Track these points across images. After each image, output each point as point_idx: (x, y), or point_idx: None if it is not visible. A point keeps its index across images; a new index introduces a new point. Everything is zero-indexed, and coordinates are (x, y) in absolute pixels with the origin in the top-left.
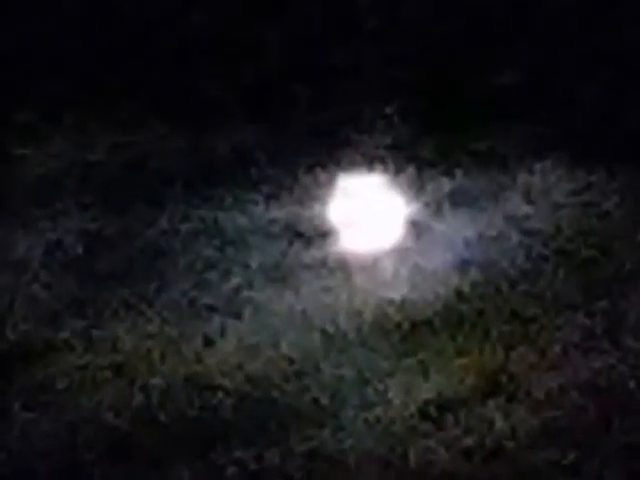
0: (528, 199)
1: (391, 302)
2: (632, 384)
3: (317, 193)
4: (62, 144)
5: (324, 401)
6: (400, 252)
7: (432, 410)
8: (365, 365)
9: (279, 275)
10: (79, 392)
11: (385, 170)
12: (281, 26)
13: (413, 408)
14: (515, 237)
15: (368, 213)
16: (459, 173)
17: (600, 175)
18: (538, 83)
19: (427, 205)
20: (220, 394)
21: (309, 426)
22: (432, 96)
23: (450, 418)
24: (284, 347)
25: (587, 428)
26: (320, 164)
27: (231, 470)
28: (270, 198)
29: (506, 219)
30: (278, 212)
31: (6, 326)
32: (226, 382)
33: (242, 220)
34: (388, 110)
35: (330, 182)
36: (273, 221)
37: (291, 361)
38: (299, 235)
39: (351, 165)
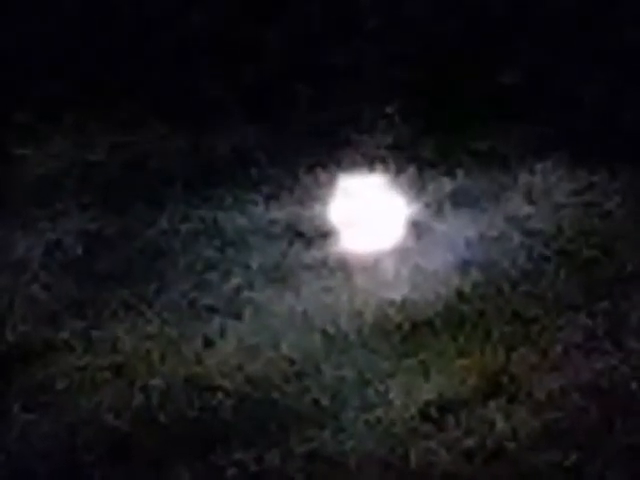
0: (529, 199)
1: (392, 303)
2: (634, 385)
3: (317, 193)
4: (62, 144)
5: (325, 402)
6: (401, 252)
7: (433, 411)
8: (366, 366)
9: (279, 276)
10: (79, 393)
11: (386, 170)
12: (281, 26)
13: (414, 409)
14: (516, 237)
15: (369, 213)
16: (460, 173)
17: (602, 175)
18: (539, 83)
19: (428, 205)
20: (220, 395)
21: (309, 427)
22: (433, 96)
23: (451, 419)
24: (284, 348)
25: (589, 429)
26: (320, 164)
27: (231, 471)
28: (270, 198)
29: (507, 219)
30: (278, 212)
31: (5, 327)
32: (226, 383)
33: (242, 220)
34: (389, 110)
35: (330, 182)
36: (273, 221)
37: (291, 362)
38: (299, 235)
39: (352, 165)
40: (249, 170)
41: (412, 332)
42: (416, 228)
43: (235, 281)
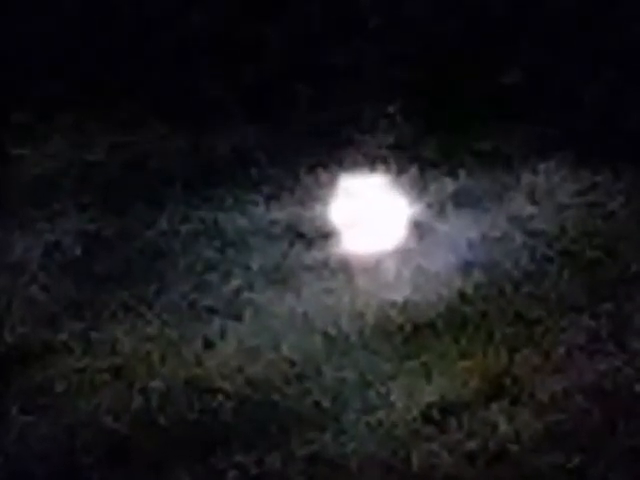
0: (532, 200)
1: (393, 304)
2: (637, 387)
3: (318, 194)
4: (61, 144)
5: (326, 404)
6: (403, 253)
7: (435, 413)
8: (367, 368)
9: (280, 277)
10: (77, 395)
11: (387, 170)
12: (281, 26)
13: (416, 411)
14: (519, 238)
15: (370, 214)
16: (462, 173)
17: (605, 175)
18: (541, 82)
19: (430, 206)
20: (220, 397)
21: (310, 430)
22: (434, 96)
23: (453, 421)
24: (285, 350)
25: (592, 431)
26: (321, 164)
27: (232, 474)
28: (271, 199)
29: (510, 220)
30: (279, 213)
31: (4, 328)
32: (226, 385)
33: (242, 221)
34: (390, 110)
35: (332, 182)
36: (274, 222)
37: (292, 364)
38: (300, 236)
39: (353, 165)
40: (249, 170)
41: (414, 334)
42: (418, 229)
43: (235, 282)
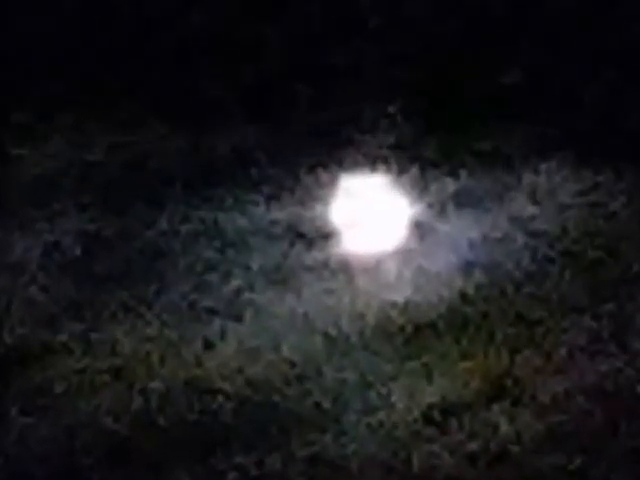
0: (533, 200)
1: (394, 304)
2: (639, 388)
3: (319, 194)
4: (60, 144)
5: (326, 405)
6: (403, 254)
7: (436, 414)
8: (368, 369)
9: (280, 277)
10: (77, 396)
11: (388, 170)
12: (281, 25)
13: (417, 412)
14: (520, 238)
15: (371, 214)
16: (463, 173)
17: (607, 175)
18: (542, 82)
19: (431, 206)
20: (220, 398)
21: (311, 431)
22: (435, 96)
23: (454, 422)
24: (285, 350)
25: (593, 432)
26: (322, 164)
27: (232, 475)
28: (271, 199)
29: (511, 220)
30: (279, 213)
31: (3, 329)
32: (226, 386)
33: (243, 221)
34: (390, 110)
35: (332, 182)
36: (274, 222)
37: (292, 365)
38: (301, 236)
39: (353, 165)
40: (249, 170)
41: (415, 334)
42: (419, 229)
43: (235, 283)
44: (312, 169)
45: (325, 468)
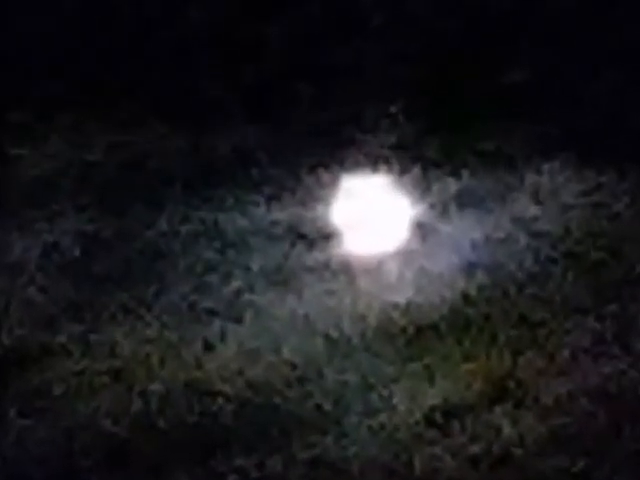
0: (536, 200)
1: (396, 306)
2: None
3: (320, 194)
4: (59, 144)
5: (327, 407)
6: (405, 254)
7: (438, 416)
8: (369, 370)
9: (281, 278)
10: (76, 398)
11: (389, 170)
12: (282, 24)
13: (418, 414)
14: (523, 239)
15: (372, 214)
16: (465, 173)
17: (610, 175)
18: (544, 82)
19: (433, 206)
20: (220, 400)
21: (312, 433)
22: (437, 95)
23: (456, 425)
24: (286, 352)
25: (597, 435)
26: (323, 164)
27: (232, 478)
28: (272, 199)
29: (514, 221)
30: (280, 213)
31: (1, 330)
32: (226, 388)
33: (243, 222)
34: (392, 109)
35: (333, 183)
36: (275, 223)
37: (293, 366)
38: (301, 237)
39: (354, 165)
40: (250, 170)
41: (416, 336)
42: (420, 229)
43: (236, 284)
44: (313, 169)
45: (326, 470)
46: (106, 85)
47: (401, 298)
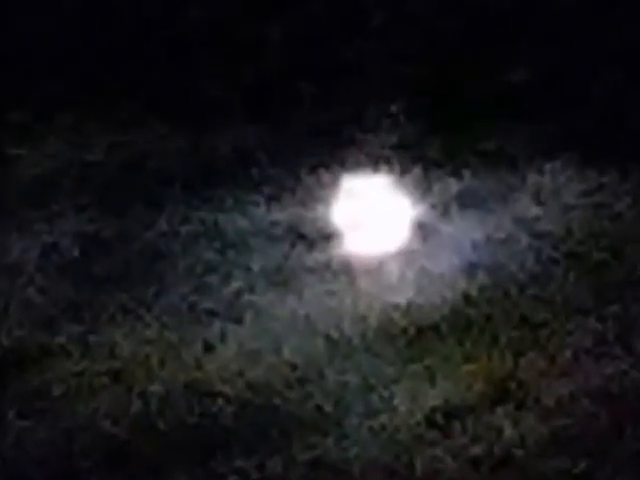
0: (538, 200)
1: (397, 306)
2: None
3: (320, 194)
4: (59, 144)
5: (328, 408)
6: (406, 255)
7: (439, 417)
8: (370, 371)
9: (281, 279)
10: (75, 399)
11: (390, 170)
12: (282, 24)
13: (419, 415)
14: (524, 239)
15: (373, 215)
16: (467, 174)
17: (612, 176)
18: (546, 81)
19: (434, 207)
20: (220, 401)
21: (312, 434)
22: (438, 95)
23: (457, 426)
24: (286, 353)
25: (599, 436)
26: (323, 164)
27: (232, 479)
28: (272, 199)
29: (515, 221)
30: (280, 214)
31: (0, 331)
32: (227, 389)
33: (243, 222)
34: (393, 109)
35: (334, 183)
36: (275, 223)
37: (294, 367)
38: (302, 237)
39: (355, 165)
40: (250, 171)
41: (417, 337)
42: (421, 230)
43: (236, 284)
44: (313, 169)
45: (327, 472)
46: (106, 85)
47: (402, 299)
